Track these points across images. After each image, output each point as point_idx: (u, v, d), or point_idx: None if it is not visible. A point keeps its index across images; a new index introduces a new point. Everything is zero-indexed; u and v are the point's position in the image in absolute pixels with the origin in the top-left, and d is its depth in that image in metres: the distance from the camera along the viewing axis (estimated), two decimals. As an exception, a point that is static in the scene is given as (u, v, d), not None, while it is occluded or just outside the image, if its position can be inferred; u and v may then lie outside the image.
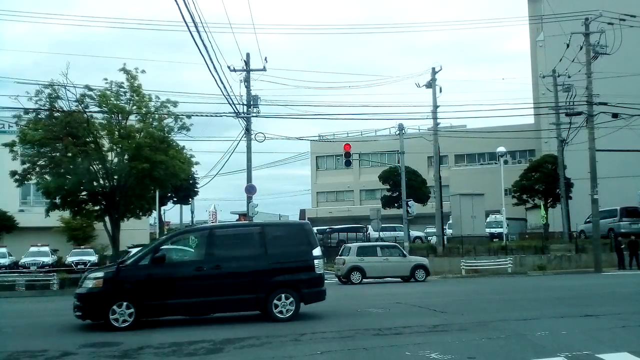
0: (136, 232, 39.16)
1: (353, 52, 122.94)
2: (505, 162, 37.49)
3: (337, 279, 24.49)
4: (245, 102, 27.24)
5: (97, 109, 25.98)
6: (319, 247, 12.38)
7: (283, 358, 7.80)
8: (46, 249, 35.66)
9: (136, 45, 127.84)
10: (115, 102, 25.74)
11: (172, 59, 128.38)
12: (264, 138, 28.23)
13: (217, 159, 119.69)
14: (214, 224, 26.16)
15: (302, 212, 74.46)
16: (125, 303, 10.70)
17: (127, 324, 10.65)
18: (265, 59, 27.57)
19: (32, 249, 35.17)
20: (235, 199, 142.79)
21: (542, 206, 36.61)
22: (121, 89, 25.91)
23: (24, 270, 30.31)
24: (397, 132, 30.87)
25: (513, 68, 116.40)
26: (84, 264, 34.29)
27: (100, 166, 26.16)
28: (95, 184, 26.50)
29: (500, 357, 7.57)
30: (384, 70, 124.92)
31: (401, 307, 13.69)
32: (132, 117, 26.61)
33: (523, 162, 51.53)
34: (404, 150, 30.87)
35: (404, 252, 25.57)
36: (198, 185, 46.14)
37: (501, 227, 34.33)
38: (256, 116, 27.99)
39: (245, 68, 27.42)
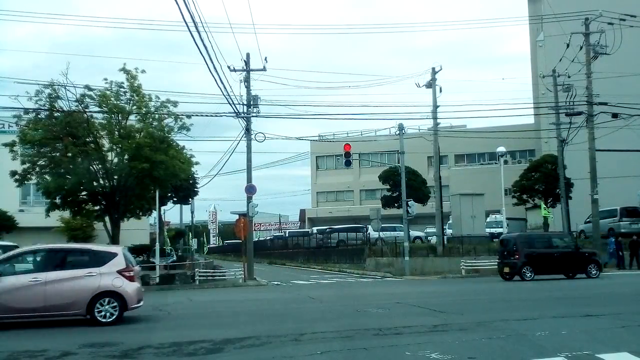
0: (136, 232, 39.15)
1: (353, 52, 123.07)
2: (505, 162, 37.47)
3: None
4: (245, 102, 27.21)
5: (97, 109, 25.95)
6: None
7: (283, 358, 7.80)
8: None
9: (136, 47, 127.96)
10: (115, 102, 25.71)
11: (172, 60, 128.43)
12: (264, 138, 28.22)
13: (217, 159, 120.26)
14: None
15: (302, 212, 74.49)
16: None
17: None
18: (265, 59, 27.55)
19: (32, 249, 35.08)
20: (235, 199, 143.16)
21: (542, 205, 36.55)
22: (121, 89, 25.88)
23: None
24: (397, 132, 30.80)
25: (513, 68, 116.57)
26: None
27: (100, 166, 26.14)
28: (95, 184, 26.47)
29: (500, 357, 7.56)
30: (384, 71, 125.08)
31: (401, 307, 13.69)
32: (132, 117, 26.58)
33: (523, 162, 51.49)
34: (404, 150, 30.81)
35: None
36: (198, 185, 46.10)
37: (501, 227, 34.31)
38: (256, 116, 27.98)
39: (245, 68, 27.38)
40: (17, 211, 40.90)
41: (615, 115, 29.18)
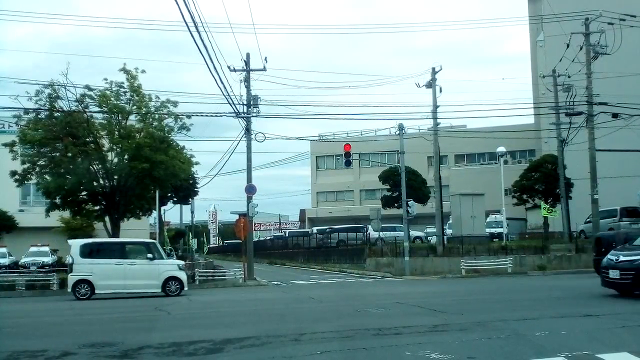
0: (136, 232, 39.14)
1: (353, 52, 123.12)
2: (505, 162, 37.45)
3: None
4: (245, 102, 27.22)
5: (97, 109, 25.98)
6: None
7: (283, 358, 7.80)
8: (46, 249, 35.62)
9: (136, 47, 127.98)
10: (115, 102, 25.74)
11: (172, 60, 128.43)
12: (264, 138, 28.23)
13: (217, 159, 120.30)
14: None
15: (302, 212, 74.48)
16: None
17: None
18: (265, 59, 27.55)
19: (32, 249, 35.12)
20: (235, 199, 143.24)
21: (542, 205, 36.57)
22: (121, 89, 25.91)
23: (24, 270, 30.30)
24: (397, 132, 30.79)
25: (513, 68, 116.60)
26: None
27: (100, 166, 26.17)
28: (95, 184, 26.49)
29: (500, 357, 7.56)
30: (384, 71, 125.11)
31: (401, 307, 13.68)
32: (132, 117, 26.60)
33: (523, 162, 51.50)
34: (404, 150, 30.79)
35: None
36: (198, 185, 46.14)
37: (501, 227, 34.30)
38: (256, 116, 27.98)
39: (245, 68, 27.38)
40: (17, 211, 40.97)
41: (615, 115, 29.17)
